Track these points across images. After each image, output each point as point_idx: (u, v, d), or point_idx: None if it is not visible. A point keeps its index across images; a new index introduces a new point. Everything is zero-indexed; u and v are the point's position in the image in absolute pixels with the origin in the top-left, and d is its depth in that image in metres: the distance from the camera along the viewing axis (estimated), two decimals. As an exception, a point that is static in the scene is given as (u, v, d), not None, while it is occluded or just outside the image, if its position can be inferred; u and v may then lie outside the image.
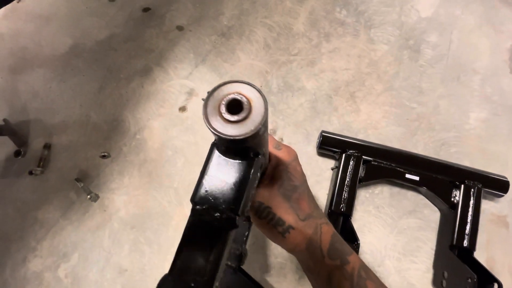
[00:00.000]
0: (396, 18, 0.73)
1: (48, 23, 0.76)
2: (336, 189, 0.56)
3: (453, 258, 0.52)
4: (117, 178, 0.63)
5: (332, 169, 0.61)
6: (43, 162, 0.63)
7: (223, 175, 0.19)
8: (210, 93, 0.18)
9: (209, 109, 0.17)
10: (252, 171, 0.20)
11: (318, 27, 0.73)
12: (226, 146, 0.20)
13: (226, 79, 0.69)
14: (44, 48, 0.73)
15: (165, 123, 0.67)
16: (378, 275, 0.56)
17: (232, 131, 0.17)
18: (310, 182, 0.63)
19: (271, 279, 0.56)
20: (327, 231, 0.31)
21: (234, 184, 0.19)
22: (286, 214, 0.29)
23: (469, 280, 0.49)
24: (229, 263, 0.39)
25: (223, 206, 0.19)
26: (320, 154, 0.63)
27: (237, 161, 0.20)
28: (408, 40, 0.71)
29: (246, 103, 0.17)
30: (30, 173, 0.63)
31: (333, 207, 0.55)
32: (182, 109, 0.68)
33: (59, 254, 0.60)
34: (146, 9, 0.76)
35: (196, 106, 0.68)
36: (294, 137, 0.65)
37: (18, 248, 0.61)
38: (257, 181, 0.21)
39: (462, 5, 0.75)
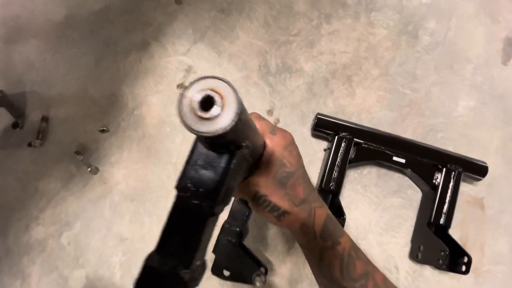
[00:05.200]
0: (397, 1, 0.73)
1: (40, -10, 0.73)
2: (327, 169, 0.59)
3: (430, 234, 0.57)
4: (116, 152, 0.64)
5: (325, 150, 0.64)
6: (41, 134, 0.64)
7: (205, 166, 0.21)
8: (184, 90, 0.18)
9: (184, 107, 0.18)
10: (233, 163, 0.21)
11: (319, 7, 0.72)
12: (206, 141, 0.21)
13: (225, 57, 0.69)
14: (37, 18, 0.71)
15: (163, 100, 0.67)
16: (361, 247, 0.60)
17: (205, 128, 0.17)
18: (304, 162, 0.66)
19: (263, 248, 0.60)
20: (321, 214, 0.32)
21: (215, 175, 0.20)
22: (281, 201, 0.30)
23: (442, 253, 0.54)
24: (230, 238, 0.43)
25: (203, 195, 0.20)
26: (314, 135, 0.65)
27: (218, 153, 0.21)
28: (407, 25, 0.72)
29: (218, 99, 0.17)
30: (29, 145, 0.64)
31: (323, 185, 0.58)
32: (180, 86, 0.68)
33: (61, 223, 0.62)
34: (143, -20, 0.73)
35: (194, 84, 0.68)
36: (290, 118, 0.67)
37: (20, 216, 0.63)
38: (241, 172, 0.22)
39: (463, -9, 0.74)
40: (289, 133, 0.33)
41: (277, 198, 0.30)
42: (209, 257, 0.41)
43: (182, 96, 0.18)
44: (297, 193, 0.31)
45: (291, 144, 0.32)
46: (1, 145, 0.66)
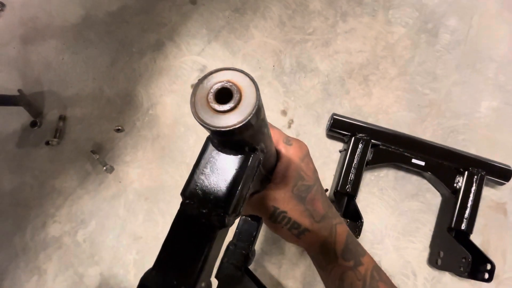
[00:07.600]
0: (417, -1, 0.71)
1: (57, -9, 0.74)
2: (343, 171, 0.58)
3: (450, 239, 0.55)
4: (131, 152, 0.65)
5: (340, 151, 0.63)
6: (59, 133, 0.65)
7: (216, 170, 0.19)
8: (200, 81, 0.16)
9: (198, 99, 0.16)
10: (247, 167, 0.18)
11: (335, 6, 0.71)
12: (218, 140, 0.19)
13: (239, 57, 0.68)
14: (55, 18, 0.72)
15: (177, 100, 0.67)
16: (376, 252, 0.59)
17: (219, 121, 0.15)
18: (318, 164, 0.65)
19: (276, 251, 0.59)
20: (342, 232, 0.30)
21: (226, 181, 0.18)
22: (302, 217, 0.28)
23: (464, 260, 0.52)
24: (235, 262, 0.39)
25: (213, 203, 0.18)
26: (329, 136, 0.64)
27: (232, 156, 0.18)
28: (426, 23, 0.69)
29: (235, 91, 0.15)
30: (47, 143, 0.65)
31: (339, 188, 0.57)
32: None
33: (77, 221, 0.63)
34: (158, -20, 0.73)
35: (208, 83, 0.68)
36: (305, 118, 0.65)
37: (37, 214, 0.64)
38: (253, 179, 0.20)
39: (486, -12, 0.72)
40: (305, 144, 0.31)
41: (297, 214, 0.28)
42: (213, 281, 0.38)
43: (196, 86, 0.16)
44: (317, 209, 0.29)
45: (307, 156, 0.30)
46: (19, 144, 0.67)
